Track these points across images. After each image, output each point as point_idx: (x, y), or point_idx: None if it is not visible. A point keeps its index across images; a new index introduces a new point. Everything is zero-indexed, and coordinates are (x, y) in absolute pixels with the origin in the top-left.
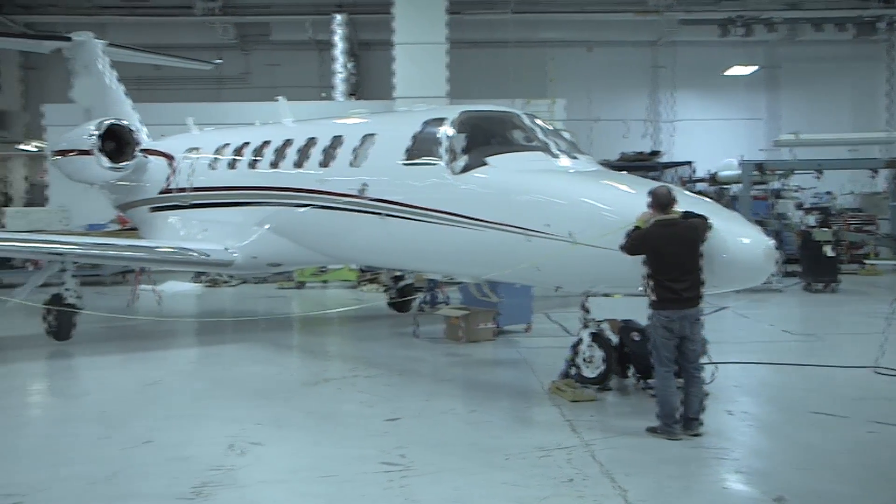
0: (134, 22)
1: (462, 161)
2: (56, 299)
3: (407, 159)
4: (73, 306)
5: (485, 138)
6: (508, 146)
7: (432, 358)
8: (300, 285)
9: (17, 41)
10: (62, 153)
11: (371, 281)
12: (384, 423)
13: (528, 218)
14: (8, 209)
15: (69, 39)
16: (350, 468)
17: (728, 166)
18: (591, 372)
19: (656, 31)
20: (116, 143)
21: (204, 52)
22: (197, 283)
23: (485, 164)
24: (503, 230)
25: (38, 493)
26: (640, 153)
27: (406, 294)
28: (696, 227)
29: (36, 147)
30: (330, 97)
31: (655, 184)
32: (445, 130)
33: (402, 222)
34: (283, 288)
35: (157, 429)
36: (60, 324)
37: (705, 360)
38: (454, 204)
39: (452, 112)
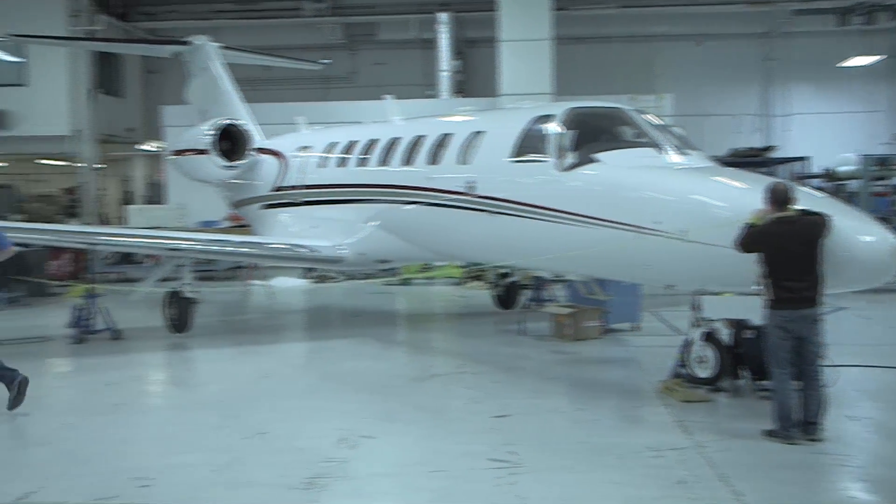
0: (245, 25)
1: (570, 158)
2: (175, 293)
3: (514, 156)
4: (190, 300)
5: (593, 135)
6: (617, 142)
7: (538, 355)
8: (406, 282)
9: (141, 47)
10: (180, 153)
11: (476, 278)
12: (492, 420)
13: (638, 215)
14: (130, 207)
15: (187, 44)
16: (459, 463)
17: (845, 161)
18: (703, 372)
19: (769, 22)
20: (231, 142)
21: (312, 52)
22: (305, 279)
23: (594, 160)
24: (613, 227)
25: (164, 478)
26: (752, 148)
27: (512, 291)
28: (815, 224)
29: (155, 147)
30: (434, 95)
31: (771, 180)
32: (553, 127)
33: (510, 219)
34: (388, 284)
35: (271, 420)
36: (180, 316)
37: (825, 362)
38: (562, 201)
39: (560, 108)
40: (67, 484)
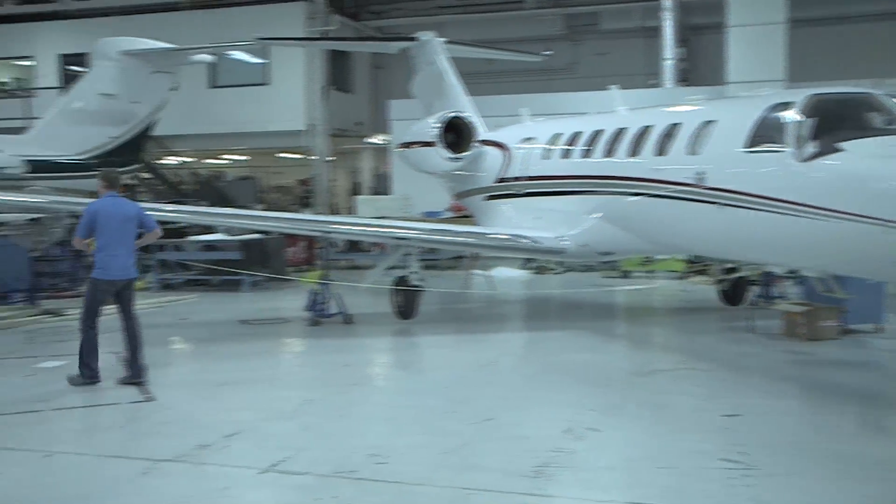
0: (468, 20)
1: (811, 147)
2: (402, 281)
3: (748, 146)
4: (417, 288)
5: (838, 123)
6: (866, 130)
7: (768, 355)
8: (626, 275)
9: (372, 44)
10: (407, 145)
11: (700, 272)
12: (721, 419)
13: (888, 208)
14: (358, 197)
15: (414, 39)
16: (688, 462)
17: None
18: None
19: None
20: (455, 134)
21: (533, 44)
22: (525, 269)
23: (838, 150)
24: (857, 221)
25: (397, 456)
26: None
27: (739, 287)
28: None
29: (382, 140)
30: (658, 84)
31: None
32: (792, 115)
33: (742, 212)
34: (608, 277)
35: (496, 407)
36: (406, 304)
37: None
38: (801, 193)
39: (800, 95)
40: (311, 455)
